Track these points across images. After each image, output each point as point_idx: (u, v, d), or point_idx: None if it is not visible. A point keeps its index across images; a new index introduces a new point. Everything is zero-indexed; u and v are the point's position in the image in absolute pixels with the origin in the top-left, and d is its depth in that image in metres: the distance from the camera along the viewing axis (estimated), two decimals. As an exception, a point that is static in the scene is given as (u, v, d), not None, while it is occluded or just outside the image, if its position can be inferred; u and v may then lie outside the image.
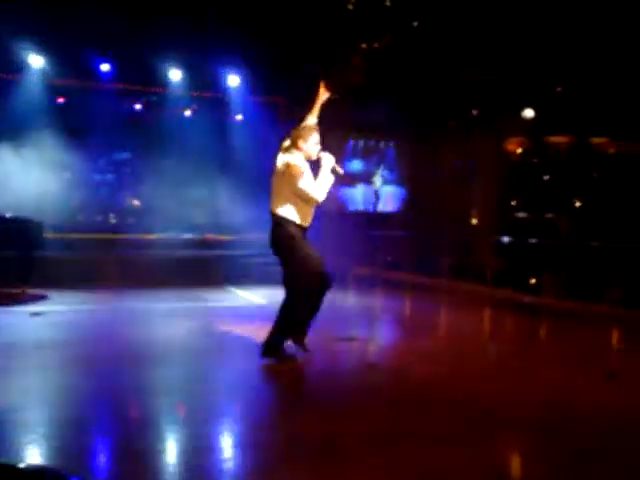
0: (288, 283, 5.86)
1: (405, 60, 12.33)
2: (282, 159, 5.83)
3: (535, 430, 4.37)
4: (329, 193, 5.87)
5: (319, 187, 5.75)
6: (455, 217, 13.72)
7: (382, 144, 16.39)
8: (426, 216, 14.12)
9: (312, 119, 6.19)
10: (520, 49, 11.15)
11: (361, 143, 16.04)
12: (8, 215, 9.80)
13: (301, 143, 5.87)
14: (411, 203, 15.74)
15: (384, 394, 5.15)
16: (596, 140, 12.41)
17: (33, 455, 3.76)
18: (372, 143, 16.31)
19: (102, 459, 3.88)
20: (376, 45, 12.19)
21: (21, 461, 3.56)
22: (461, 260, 12.52)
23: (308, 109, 6.22)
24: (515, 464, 4.08)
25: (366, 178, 16.06)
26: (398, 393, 5.17)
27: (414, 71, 12.43)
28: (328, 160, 5.87)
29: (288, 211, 5.78)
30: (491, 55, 11.34)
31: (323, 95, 6.22)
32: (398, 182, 16.31)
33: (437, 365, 6.10)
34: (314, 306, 5.93)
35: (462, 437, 4.16)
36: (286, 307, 5.85)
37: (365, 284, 12.01)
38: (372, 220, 15.37)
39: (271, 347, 5.86)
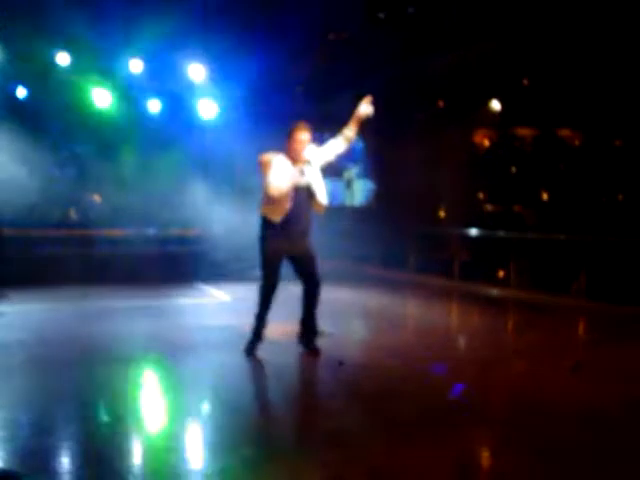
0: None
1: (371, 51, 12.23)
2: None
3: (502, 422, 4.37)
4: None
5: (281, 181, 5.60)
6: (423, 210, 13.70)
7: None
8: (394, 209, 14.07)
9: (348, 132, 5.95)
10: (486, 41, 11.14)
11: (327, 136, 15.90)
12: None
13: (287, 142, 5.74)
14: (379, 196, 15.66)
15: (353, 389, 5.13)
16: (562, 132, 12.48)
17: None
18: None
19: (64, 461, 3.76)
20: (344, 36, 12.09)
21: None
22: (429, 253, 12.50)
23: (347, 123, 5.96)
24: (482, 456, 4.06)
25: (333, 172, 15.93)
26: (367, 388, 5.15)
27: (380, 62, 12.35)
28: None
29: (263, 208, 5.80)
30: (457, 47, 11.30)
31: (365, 109, 5.88)
32: (366, 175, 16.22)
33: (405, 359, 6.09)
34: (308, 305, 5.99)
35: (429, 431, 4.13)
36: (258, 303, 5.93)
37: (333, 278, 11.91)
38: (340, 214, 15.24)
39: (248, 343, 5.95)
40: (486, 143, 13.99)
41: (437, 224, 13.65)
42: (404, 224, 13.11)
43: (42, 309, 8.85)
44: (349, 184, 16.02)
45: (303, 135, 5.76)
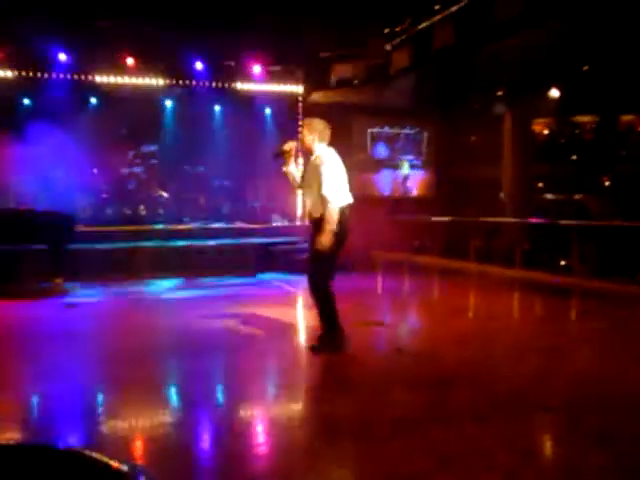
0: None
1: (427, 42, 12.20)
2: None
3: (566, 410, 4.34)
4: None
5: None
6: (482, 200, 13.62)
7: (407, 128, 16.30)
8: (453, 200, 14.04)
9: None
10: (546, 28, 10.99)
11: (386, 128, 15.96)
12: (40, 209, 10.00)
13: None
14: (438, 187, 15.63)
15: (414, 378, 5.16)
16: (624, 118, 12.22)
17: (70, 439, 3.88)
18: (396, 128, 16.21)
19: (137, 444, 3.92)
20: (398, 29, 12.10)
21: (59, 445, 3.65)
22: (490, 243, 12.44)
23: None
24: (548, 445, 4.07)
25: (391, 163, 15.98)
26: (428, 376, 5.17)
27: (437, 53, 12.31)
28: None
29: None
30: (514, 34, 11.18)
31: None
32: (424, 166, 16.20)
33: (466, 348, 6.10)
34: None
35: (494, 417, 4.17)
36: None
37: (393, 269, 12.01)
38: (398, 205, 15.28)
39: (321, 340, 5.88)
40: (546, 131, 13.81)
41: (497, 213, 13.55)
42: (463, 214, 13.08)
43: (114, 301, 9.16)
44: (406, 177, 16.02)
45: (302, 129, 5.99)
